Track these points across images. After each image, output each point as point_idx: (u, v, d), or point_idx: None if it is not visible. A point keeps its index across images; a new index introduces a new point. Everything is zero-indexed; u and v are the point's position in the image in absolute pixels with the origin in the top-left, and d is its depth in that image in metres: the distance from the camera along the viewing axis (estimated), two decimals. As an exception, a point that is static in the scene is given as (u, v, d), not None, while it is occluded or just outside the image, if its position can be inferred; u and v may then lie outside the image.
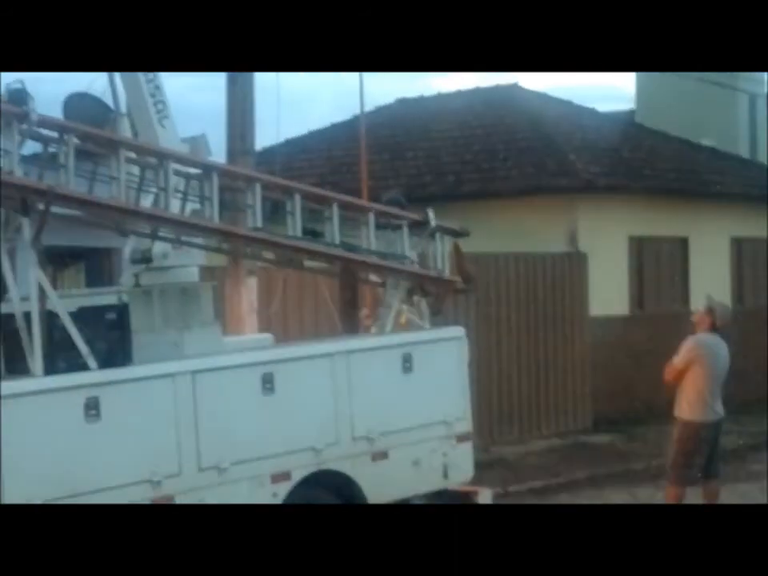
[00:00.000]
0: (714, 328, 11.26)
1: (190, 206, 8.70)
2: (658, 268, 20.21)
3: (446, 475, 9.53)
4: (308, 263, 9.95)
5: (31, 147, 7.88)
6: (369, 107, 23.43)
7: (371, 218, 9.75)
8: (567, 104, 23.99)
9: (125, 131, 9.15)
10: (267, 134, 13.76)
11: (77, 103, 9.01)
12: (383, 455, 9.07)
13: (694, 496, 10.90)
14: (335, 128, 22.82)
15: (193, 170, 8.78)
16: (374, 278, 10.30)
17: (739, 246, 21.96)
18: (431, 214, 10.37)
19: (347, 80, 13.29)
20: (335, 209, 9.46)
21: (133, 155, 8.41)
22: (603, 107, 26.11)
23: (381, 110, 23.60)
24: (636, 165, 21.02)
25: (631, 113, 28.12)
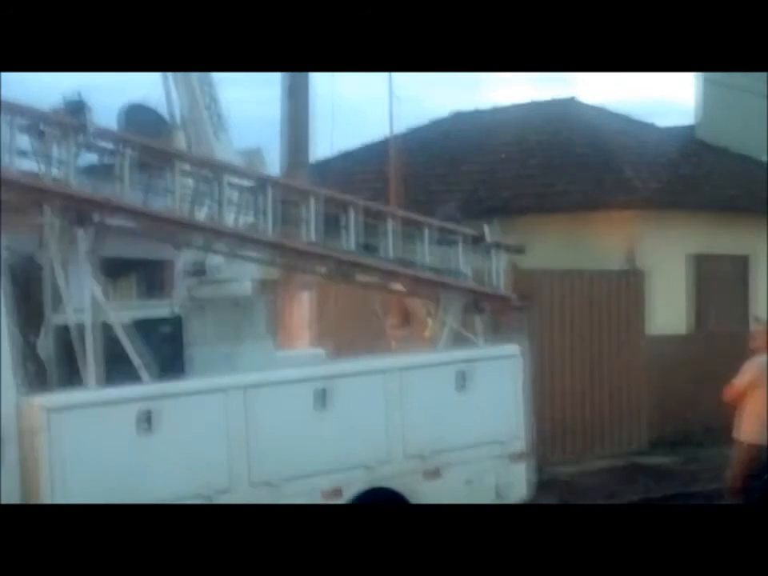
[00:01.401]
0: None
1: (245, 219, 8.76)
2: (718, 286, 20.09)
3: (499, 495, 9.50)
4: (361, 278, 9.97)
5: (88, 159, 7.95)
6: (424, 121, 23.61)
7: (426, 233, 9.79)
8: (625, 118, 23.86)
9: (180, 143, 9.23)
10: (322, 146, 13.84)
11: (133, 115, 9.09)
12: (436, 473, 9.05)
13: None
14: (389, 141, 22.90)
15: (248, 183, 8.87)
16: (418, 291, 10.30)
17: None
18: (487, 229, 10.40)
19: (403, 91, 13.34)
20: (390, 223, 9.52)
21: (188, 167, 8.51)
22: (663, 122, 25.83)
23: (436, 124, 23.64)
24: (696, 181, 20.88)
25: (691, 128, 27.99)
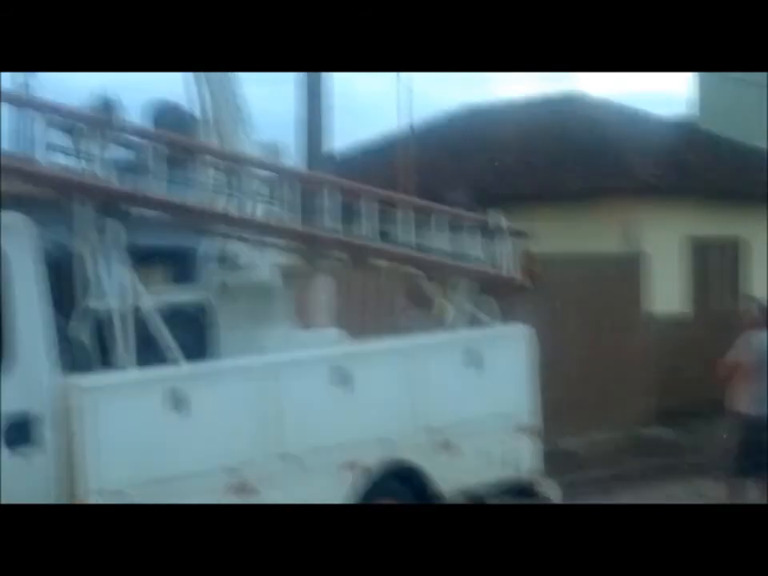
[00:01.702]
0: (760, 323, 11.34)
1: (266, 208, 8.80)
2: (717, 268, 20.13)
3: (511, 466, 9.59)
4: (376, 262, 10.01)
5: (117, 153, 7.98)
6: (434, 113, 23.62)
7: (437, 219, 9.86)
8: (627, 110, 23.89)
9: (205, 138, 9.27)
10: (338, 139, 13.88)
11: (160, 111, 9.13)
12: (451, 446, 9.13)
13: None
14: (401, 133, 22.93)
15: (268, 174, 8.91)
16: (430, 274, 10.35)
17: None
18: (494, 215, 10.44)
19: (414, 85, 13.42)
20: (402, 210, 9.57)
21: (212, 160, 8.55)
22: (664, 112, 25.89)
23: (445, 117, 23.66)
24: (695, 169, 20.93)
25: (692, 118, 27.97)
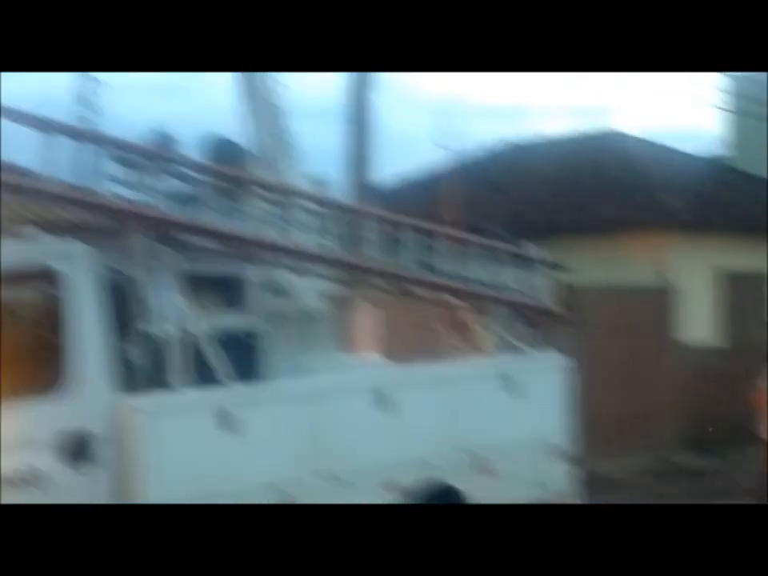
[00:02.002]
0: None
1: (313, 239, 8.82)
2: (747, 300, 19.99)
3: (546, 488, 9.51)
4: (417, 291, 10.01)
5: (173, 184, 8.03)
6: (476, 146, 23.63)
7: (477, 251, 9.85)
8: (659, 146, 23.86)
9: (256, 171, 9.31)
10: (382, 171, 13.93)
11: (215, 144, 9.21)
12: (487, 468, 9.06)
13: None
14: (443, 168, 23.00)
15: (316, 206, 8.92)
16: (470, 304, 10.32)
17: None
18: (532, 247, 10.42)
19: (455, 120, 13.42)
20: (444, 242, 9.57)
21: (263, 192, 8.58)
22: (694, 148, 25.81)
23: (485, 150, 23.68)
24: (725, 202, 20.87)
25: (721, 154, 27.85)
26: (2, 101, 7.32)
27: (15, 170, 7.48)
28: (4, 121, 7.27)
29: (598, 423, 15.28)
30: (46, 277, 7.11)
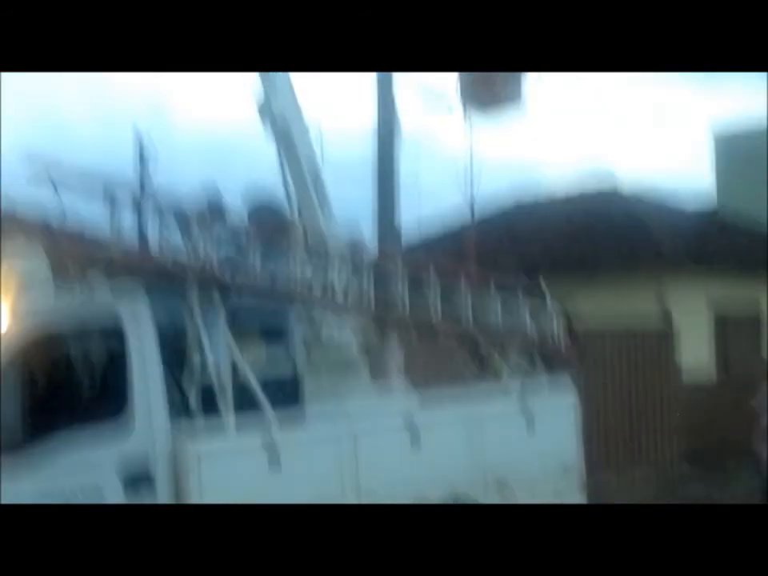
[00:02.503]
0: None
1: (349, 291, 8.84)
2: (739, 336, 19.95)
3: (558, 501, 9.47)
4: (443, 330, 10.02)
5: (226, 243, 8.07)
6: (495, 200, 23.62)
7: (496, 293, 9.89)
8: (658, 199, 23.92)
9: (296, 225, 9.35)
10: (408, 220, 13.98)
11: (257, 205, 9.26)
12: (505, 484, 9.05)
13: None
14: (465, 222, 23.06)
15: (350, 263, 8.93)
16: (491, 341, 10.31)
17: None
18: (545, 288, 10.45)
19: (477, 174, 13.49)
20: (467, 287, 9.60)
21: (301, 247, 8.62)
22: (689, 201, 25.82)
23: (502, 203, 23.73)
24: (718, 249, 20.87)
25: (713, 206, 27.90)
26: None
27: (85, 230, 7.55)
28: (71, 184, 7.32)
29: (605, 444, 15.25)
30: (113, 320, 7.15)
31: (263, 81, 9.42)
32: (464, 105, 12.10)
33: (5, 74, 7.41)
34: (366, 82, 13.07)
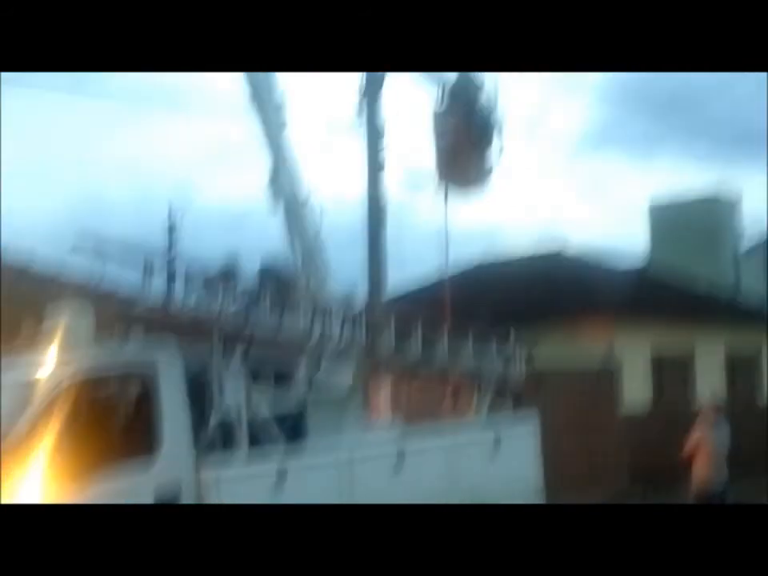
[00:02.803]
0: (715, 421, 11.20)
1: (345, 339, 8.86)
2: (673, 375, 20.00)
3: None
4: (425, 371, 10.01)
5: (240, 301, 8.08)
6: (460, 267, 23.69)
7: (469, 341, 9.90)
8: (603, 262, 24.04)
9: (301, 283, 9.37)
10: (395, 278, 14.00)
11: (268, 269, 9.29)
12: (477, 500, 8.93)
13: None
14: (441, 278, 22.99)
15: (345, 315, 8.97)
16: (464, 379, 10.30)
17: (731, 362, 21.66)
18: (509, 337, 10.47)
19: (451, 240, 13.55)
20: (444, 334, 9.62)
21: (304, 304, 8.64)
22: (629, 264, 26.00)
23: (466, 269, 23.85)
24: (654, 299, 20.98)
25: (647, 267, 28.03)
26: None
27: (123, 291, 7.58)
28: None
29: (561, 465, 15.14)
30: (146, 367, 7.15)
31: (273, 164, 9.48)
32: (441, 183, 12.15)
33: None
34: (360, 167, 13.20)
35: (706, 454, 10.93)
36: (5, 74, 7.16)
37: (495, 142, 11.86)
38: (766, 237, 31.75)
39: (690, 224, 28.40)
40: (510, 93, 27.53)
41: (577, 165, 63.28)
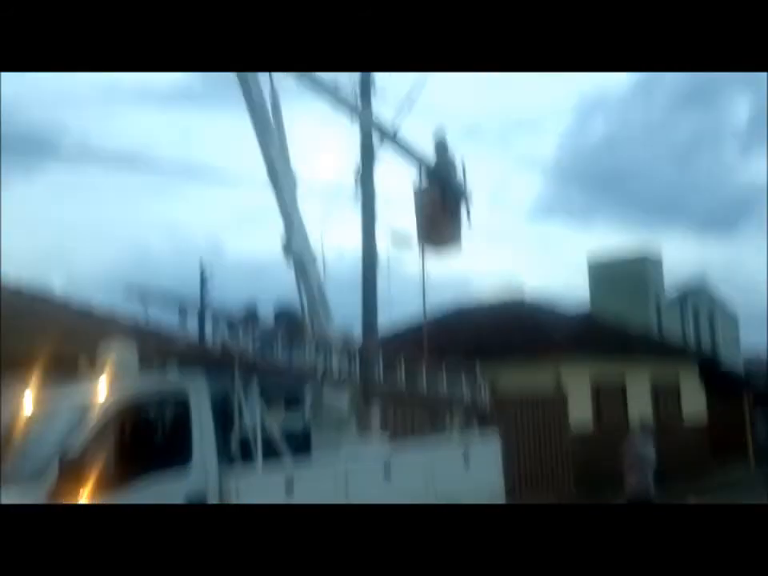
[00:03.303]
0: (645, 440, 11.16)
1: (343, 369, 8.80)
2: (610, 401, 19.95)
3: None
4: (408, 398, 9.95)
5: (256, 337, 8.04)
6: (436, 311, 23.63)
7: (444, 373, 9.86)
8: (553, 307, 24.06)
9: (307, 323, 9.32)
10: (384, 319, 13.97)
11: (280, 311, 9.24)
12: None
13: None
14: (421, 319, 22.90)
15: (343, 349, 8.92)
16: (440, 405, 10.22)
17: (656, 389, 21.60)
18: (477, 371, 10.45)
19: (435, 288, 13.50)
20: (423, 367, 9.59)
21: (310, 340, 8.61)
22: (574, 309, 25.98)
23: (442, 313, 23.82)
24: (594, 340, 20.96)
25: (588, 311, 28.05)
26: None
27: (162, 330, 7.54)
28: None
29: (519, 476, 15.03)
30: (180, 393, 7.09)
31: (287, 227, 9.47)
32: (421, 242, 12.25)
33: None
34: (356, 229, 13.29)
35: (636, 464, 10.86)
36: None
37: (464, 211, 11.97)
38: (682, 289, 31.96)
39: (622, 277, 28.58)
40: (476, 171, 27.82)
41: (531, 229, 63.73)
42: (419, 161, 11.66)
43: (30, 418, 6.66)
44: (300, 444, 8.22)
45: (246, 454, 7.40)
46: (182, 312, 7.58)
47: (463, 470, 9.35)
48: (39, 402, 6.77)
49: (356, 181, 12.94)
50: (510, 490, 10.02)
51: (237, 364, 7.55)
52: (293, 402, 8.78)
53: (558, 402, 17.60)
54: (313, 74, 9.71)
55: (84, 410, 6.57)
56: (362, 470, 8.21)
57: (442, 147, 11.83)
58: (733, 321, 33.77)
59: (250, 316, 8.01)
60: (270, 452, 7.54)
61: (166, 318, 7.82)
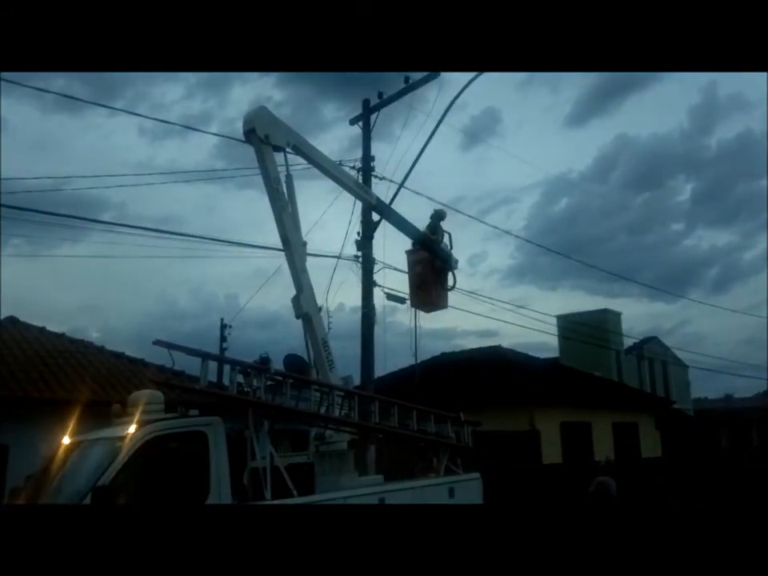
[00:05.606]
0: (608, 472, 10.95)
1: (343, 412, 8.66)
2: (577, 438, 19.69)
3: None
4: (399, 439, 9.75)
5: (269, 384, 7.93)
6: (427, 356, 23.55)
7: (432, 416, 9.70)
8: (528, 358, 23.95)
9: (313, 369, 9.22)
10: (381, 368, 13.89)
11: (290, 361, 9.15)
12: None
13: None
14: (412, 368, 22.73)
15: (344, 394, 8.80)
16: (428, 446, 10.01)
17: (617, 427, 21.37)
18: (461, 414, 10.29)
19: (418, 339, 13.34)
20: (414, 412, 9.44)
21: (315, 387, 8.49)
22: (545, 359, 25.89)
23: (433, 359, 23.68)
24: (562, 387, 20.82)
25: (557, 361, 27.92)
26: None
27: (185, 375, 7.43)
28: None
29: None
30: (199, 435, 6.97)
31: (296, 285, 9.42)
32: (412, 300, 12.27)
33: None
34: (357, 289, 13.29)
35: (599, 492, 10.64)
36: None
37: (449, 274, 12.01)
38: (638, 341, 31.90)
39: (587, 330, 28.48)
40: (460, 241, 27.99)
41: (506, 289, 63.83)
42: (413, 232, 11.74)
43: (68, 452, 6.54)
44: (305, 477, 8.04)
45: (256, 485, 7.26)
46: (204, 359, 7.49)
47: (448, 499, 9.11)
48: (77, 440, 6.67)
49: (357, 248, 13.23)
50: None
51: (250, 406, 7.43)
52: (299, 439, 8.62)
53: (532, 439, 17.36)
54: (321, 160, 9.81)
55: (118, 441, 6.47)
56: (358, 501, 7.99)
57: (433, 222, 11.97)
58: (683, 368, 33.60)
59: (263, 364, 7.90)
60: (278, 484, 7.35)
61: (188, 364, 7.72)
